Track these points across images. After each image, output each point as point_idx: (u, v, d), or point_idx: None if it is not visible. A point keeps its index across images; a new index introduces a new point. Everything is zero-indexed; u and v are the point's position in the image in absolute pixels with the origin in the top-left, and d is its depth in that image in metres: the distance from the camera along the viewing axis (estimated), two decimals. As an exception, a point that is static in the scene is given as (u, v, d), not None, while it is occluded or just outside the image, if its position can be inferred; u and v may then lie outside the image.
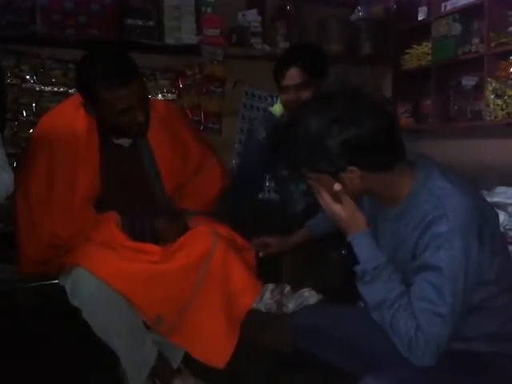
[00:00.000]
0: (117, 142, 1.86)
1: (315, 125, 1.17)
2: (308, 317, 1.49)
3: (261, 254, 1.84)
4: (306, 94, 2.12)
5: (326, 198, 1.23)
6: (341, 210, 1.22)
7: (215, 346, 1.67)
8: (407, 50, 3.47)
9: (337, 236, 1.85)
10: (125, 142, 1.87)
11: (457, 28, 3.08)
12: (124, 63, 1.72)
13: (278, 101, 2.35)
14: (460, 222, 1.11)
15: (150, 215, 1.81)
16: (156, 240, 1.78)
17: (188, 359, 1.76)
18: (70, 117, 1.81)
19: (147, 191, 1.90)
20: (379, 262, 1.19)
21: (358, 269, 1.22)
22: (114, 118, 1.72)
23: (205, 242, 1.73)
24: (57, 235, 1.72)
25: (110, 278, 1.60)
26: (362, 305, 1.66)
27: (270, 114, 2.37)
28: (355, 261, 1.24)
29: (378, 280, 1.17)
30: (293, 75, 2.15)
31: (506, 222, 2.27)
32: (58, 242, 1.72)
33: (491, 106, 2.81)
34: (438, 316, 1.10)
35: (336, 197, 1.22)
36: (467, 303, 1.14)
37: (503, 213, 2.30)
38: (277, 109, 2.34)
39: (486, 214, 1.17)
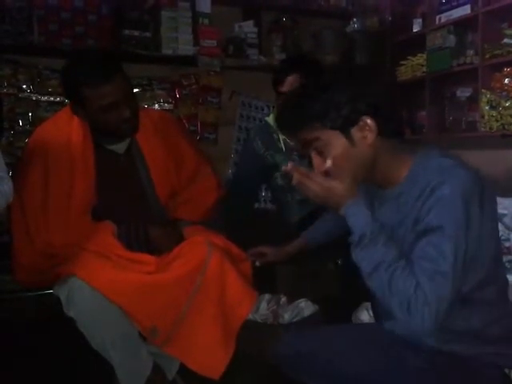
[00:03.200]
0: (111, 148, 1.87)
1: (327, 78, 1.22)
2: (295, 344, 1.41)
3: (257, 264, 1.84)
4: None
5: (318, 178, 1.20)
6: (338, 184, 1.19)
7: (211, 356, 1.66)
8: (402, 62, 3.49)
9: (333, 246, 1.87)
10: (119, 148, 1.88)
11: (451, 40, 3.10)
12: (104, 60, 1.75)
13: (274, 110, 2.36)
14: (462, 188, 1.10)
15: (144, 224, 1.81)
16: (151, 249, 1.77)
17: (183, 370, 1.75)
18: (64, 126, 1.82)
19: (142, 199, 1.90)
20: (376, 226, 1.17)
21: (355, 235, 1.18)
22: (102, 117, 1.73)
23: (200, 251, 1.72)
24: (52, 244, 1.71)
25: (105, 288, 1.59)
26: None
27: (266, 123, 2.38)
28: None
29: (377, 243, 1.15)
30: (291, 82, 2.18)
31: (501, 233, 2.28)
32: (53, 251, 1.71)
33: (486, 117, 2.83)
34: (439, 274, 1.07)
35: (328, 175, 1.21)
36: (461, 285, 1.13)
37: (498, 223, 2.31)
38: (272, 118, 2.34)
39: (486, 190, 1.16)
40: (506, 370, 1.24)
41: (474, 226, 1.11)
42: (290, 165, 1.24)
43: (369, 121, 1.18)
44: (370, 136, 1.19)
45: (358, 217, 1.18)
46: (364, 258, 1.16)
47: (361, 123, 1.19)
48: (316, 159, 1.23)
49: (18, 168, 1.86)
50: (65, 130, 1.81)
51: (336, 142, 1.20)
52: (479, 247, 1.14)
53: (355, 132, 1.19)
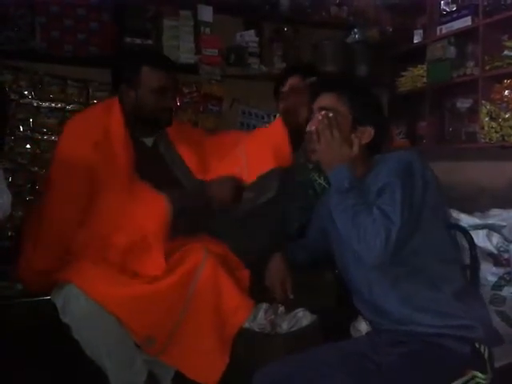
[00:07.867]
0: (142, 140, 1.92)
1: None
2: (270, 372, 1.43)
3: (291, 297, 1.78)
4: (303, 102, 2.13)
5: (336, 133, 1.44)
6: (348, 148, 1.45)
7: (206, 363, 1.66)
8: (402, 73, 3.50)
9: (330, 258, 1.86)
10: (148, 141, 1.94)
11: (452, 51, 3.12)
12: (167, 57, 2.05)
13: (276, 119, 2.36)
14: (406, 161, 1.39)
15: (201, 182, 1.89)
16: (209, 205, 1.82)
17: (179, 377, 1.74)
18: (101, 119, 1.83)
19: (182, 187, 1.91)
20: (354, 185, 1.41)
21: (336, 184, 1.43)
22: (148, 97, 1.84)
23: (195, 258, 1.72)
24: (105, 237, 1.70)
25: (101, 298, 1.58)
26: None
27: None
28: None
29: (351, 192, 1.40)
30: (291, 83, 2.24)
31: (500, 244, 2.28)
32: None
33: (486, 128, 2.84)
34: (391, 213, 1.32)
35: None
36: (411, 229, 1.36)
37: (497, 235, 2.30)
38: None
39: (427, 170, 1.41)
40: (477, 345, 1.33)
41: (417, 190, 1.36)
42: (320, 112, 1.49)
43: (372, 133, 1.49)
44: (363, 141, 1.49)
45: (343, 174, 1.42)
46: (338, 200, 1.41)
47: (368, 128, 1.49)
48: (317, 115, 1.50)
49: (52, 165, 1.83)
50: (101, 123, 1.82)
51: (344, 121, 1.48)
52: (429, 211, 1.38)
53: (359, 130, 1.48)
